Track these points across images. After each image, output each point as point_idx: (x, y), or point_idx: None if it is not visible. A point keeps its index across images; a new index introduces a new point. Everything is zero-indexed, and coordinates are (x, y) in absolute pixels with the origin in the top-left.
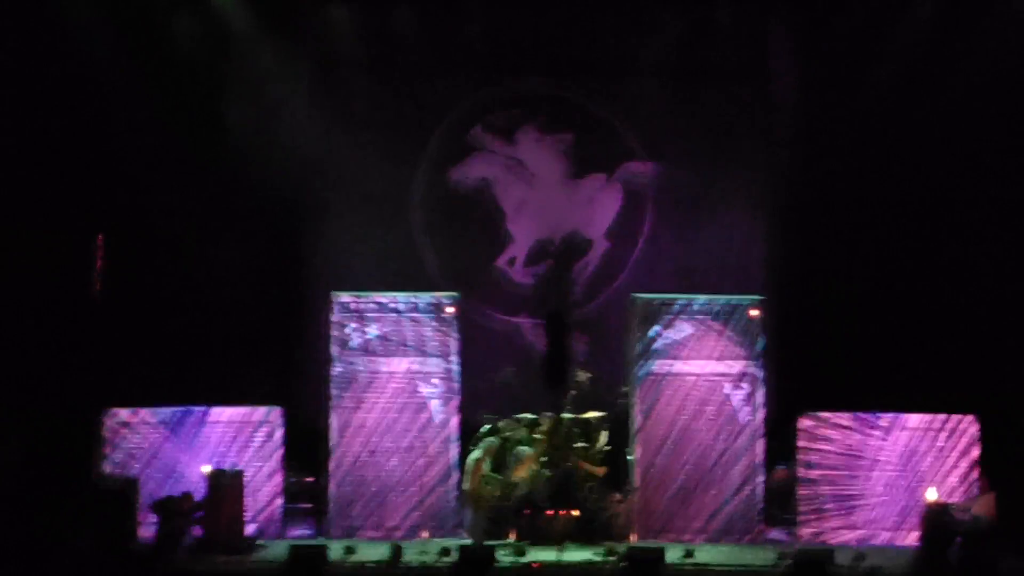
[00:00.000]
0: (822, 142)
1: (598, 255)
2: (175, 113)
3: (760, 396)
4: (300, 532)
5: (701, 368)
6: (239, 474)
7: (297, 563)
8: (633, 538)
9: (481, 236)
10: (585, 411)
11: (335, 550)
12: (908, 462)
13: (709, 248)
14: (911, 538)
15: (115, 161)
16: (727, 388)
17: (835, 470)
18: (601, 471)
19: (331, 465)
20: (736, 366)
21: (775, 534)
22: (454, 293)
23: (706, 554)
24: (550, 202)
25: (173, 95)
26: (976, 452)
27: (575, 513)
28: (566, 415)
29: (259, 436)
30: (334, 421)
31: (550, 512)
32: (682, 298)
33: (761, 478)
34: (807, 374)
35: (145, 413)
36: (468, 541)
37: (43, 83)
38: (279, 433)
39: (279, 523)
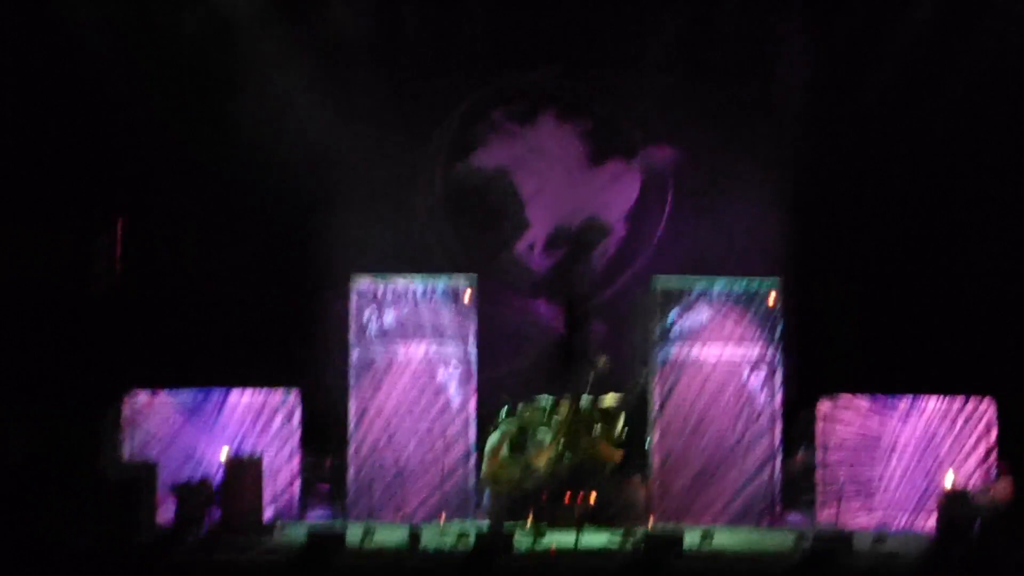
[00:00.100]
0: (840, 126)
1: (616, 240)
2: (188, 101)
3: (778, 380)
4: (318, 515)
5: (719, 352)
6: (256, 458)
7: (315, 547)
8: (651, 522)
9: (499, 222)
10: (603, 395)
11: (353, 533)
12: (926, 446)
13: (728, 232)
14: (929, 522)
15: (133, 148)
16: (745, 372)
17: (853, 454)
18: (618, 455)
19: (350, 449)
20: (755, 350)
21: (793, 518)
22: (472, 277)
23: (724, 538)
24: (568, 188)
25: (184, 85)
26: (994, 436)
27: (593, 497)
28: (584, 399)
29: (278, 419)
30: (352, 405)
31: (568, 496)
32: (701, 282)
33: (779, 462)
34: (826, 357)
35: (164, 396)
36: (486, 525)
37: (56, 73)
38: (297, 416)
39: (297, 506)
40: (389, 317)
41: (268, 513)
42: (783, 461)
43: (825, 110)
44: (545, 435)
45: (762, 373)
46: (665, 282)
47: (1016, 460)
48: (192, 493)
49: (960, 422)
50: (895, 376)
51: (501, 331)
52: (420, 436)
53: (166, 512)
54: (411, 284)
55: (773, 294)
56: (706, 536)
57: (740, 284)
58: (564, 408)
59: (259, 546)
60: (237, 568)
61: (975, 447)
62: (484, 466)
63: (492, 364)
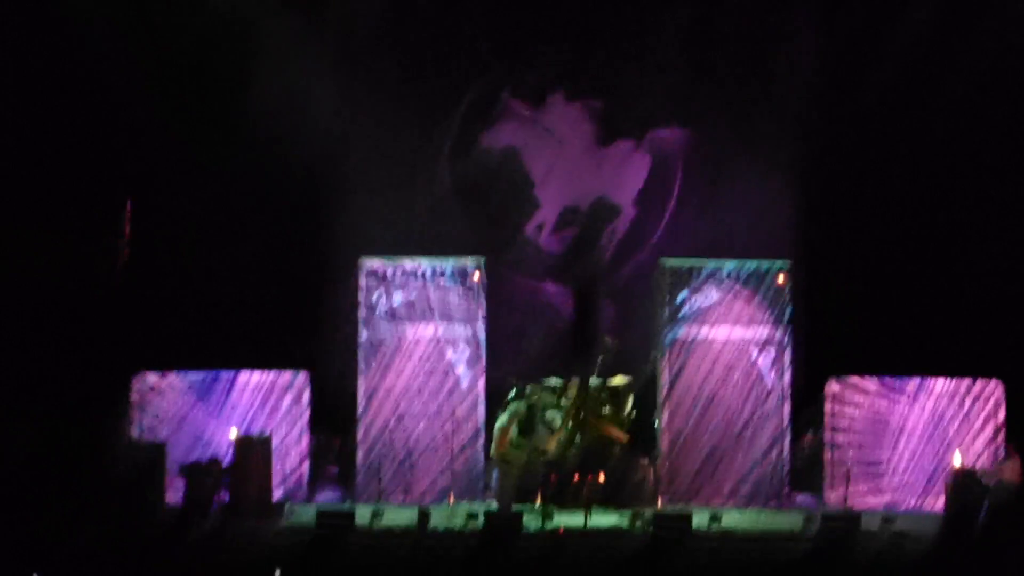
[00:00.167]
0: (850, 109)
1: (626, 221)
2: (198, 87)
3: (787, 361)
4: (328, 496)
5: (729, 333)
6: (267, 439)
7: (324, 529)
8: (659, 503)
9: (509, 203)
10: (612, 376)
11: (362, 515)
12: (934, 427)
13: (738, 213)
14: (938, 503)
15: (143, 132)
16: (754, 353)
17: (861, 435)
18: (624, 436)
19: (359, 430)
20: (764, 331)
21: (802, 499)
22: (479, 258)
23: (732, 519)
24: (578, 169)
25: (194, 71)
26: (1002, 417)
27: (602, 478)
28: (593, 380)
29: (287, 400)
30: (361, 386)
31: (577, 477)
32: (710, 263)
33: (787, 440)
34: (834, 339)
35: (173, 377)
36: (495, 506)
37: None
38: (306, 397)
39: (307, 487)
40: (398, 299)
41: (277, 494)
42: (791, 442)
43: (835, 93)
44: (554, 417)
45: (771, 354)
46: (674, 263)
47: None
48: (201, 474)
49: (968, 403)
50: (904, 358)
51: (510, 312)
52: (429, 417)
53: (175, 494)
54: (420, 266)
55: (782, 275)
56: (714, 517)
57: (749, 265)
58: (573, 390)
59: (268, 527)
60: (246, 549)
61: (983, 428)
62: (493, 447)
63: (501, 345)
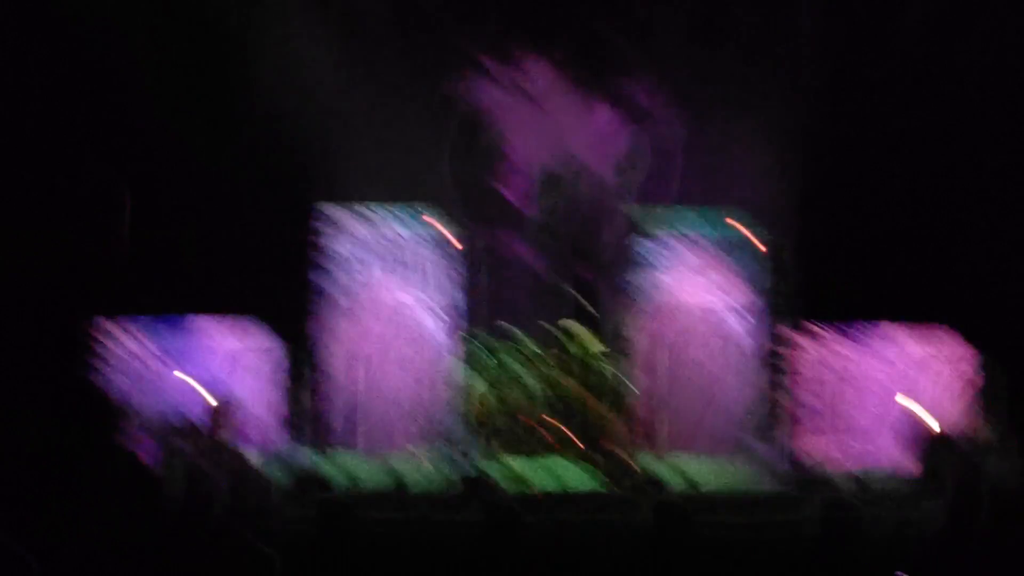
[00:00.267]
0: (824, 67)
1: (599, 175)
2: (153, 23)
3: (757, 315)
4: (297, 455)
5: (700, 291)
6: (236, 396)
7: (296, 485)
8: (631, 458)
9: (480, 152)
10: (581, 330)
11: (331, 471)
12: (901, 380)
13: (713, 167)
14: (905, 457)
15: (90, 63)
16: (725, 309)
17: (828, 387)
18: (595, 395)
19: (327, 385)
20: (735, 288)
21: (769, 453)
22: (451, 210)
23: (701, 473)
24: (549, 123)
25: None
26: (973, 368)
27: (572, 432)
28: (566, 338)
29: (254, 354)
30: (329, 340)
31: (547, 433)
32: (678, 216)
33: (756, 394)
34: (804, 294)
35: (132, 326)
36: (465, 461)
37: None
38: (276, 355)
39: (274, 443)
40: (367, 250)
41: (248, 451)
42: (759, 396)
43: (810, 49)
44: (525, 371)
45: (741, 310)
46: (645, 216)
47: (991, 394)
48: (173, 432)
49: (936, 356)
50: (872, 311)
51: (483, 270)
52: (398, 371)
53: (145, 455)
54: (391, 218)
55: (749, 227)
56: (684, 471)
57: (721, 219)
58: (543, 344)
59: (239, 485)
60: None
61: (953, 381)
62: (464, 403)
63: (473, 302)
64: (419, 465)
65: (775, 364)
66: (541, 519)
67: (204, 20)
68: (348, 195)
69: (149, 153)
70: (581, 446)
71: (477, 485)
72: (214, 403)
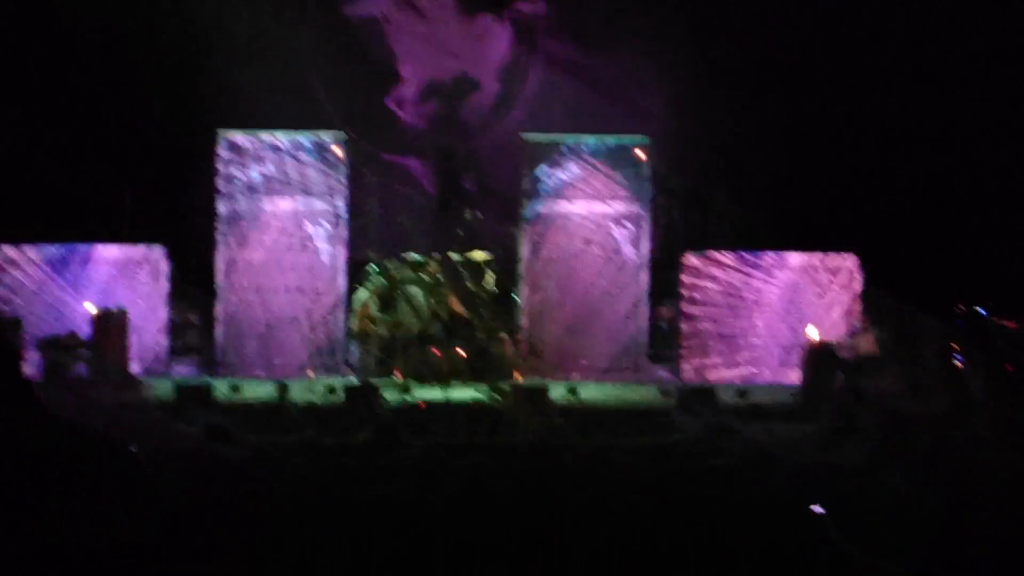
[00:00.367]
0: None
1: (488, 93)
2: None
3: (646, 235)
4: (185, 371)
5: (588, 208)
6: (124, 313)
7: (183, 400)
8: (518, 377)
9: (370, 75)
10: (472, 251)
11: (220, 388)
12: (790, 301)
13: (601, 85)
14: (793, 376)
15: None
16: (613, 227)
17: (718, 308)
18: (463, 310)
19: (217, 305)
20: (623, 206)
21: (659, 372)
22: (340, 132)
23: (589, 392)
24: (440, 41)
25: None
26: (857, 288)
27: (461, 352)
28: (454, 255)
29: (143, 274)
30: (219, 260)
31: (437, 351)
32: (570, 138)
33: (645, 314)
34: (693, 213)
35: (29, 250)
36: (354, 380)
37: None
38: (164, 271)
39: (165, 362)
40: (257, 172)
41: (135, 368)
42: (649, 316)
43: None
44: (415, 292)
45: (629, 229)
46: (534, 138)
47: (877, 312)
48: (59, 348)
49: (823, 276)
50: (761, 233)
51: (371, 187)
52: (289, 292)
53: (30, 368)
54: (279, 139)
55: (642, 151)
56: (572, 390)
57: (609, 141)
58: (434, 264)
59: (126, 400)
60: (103, 422)
61: (838, 301)
62: (353, 322)
63: (362, 220)
64: (308, 383)
65: (666, 285)
66: (426, 437)
67: None
68: (246, 122)
69: (51, 83)
70: (470, 364)
71: (363, 400)
72: (97, 315)
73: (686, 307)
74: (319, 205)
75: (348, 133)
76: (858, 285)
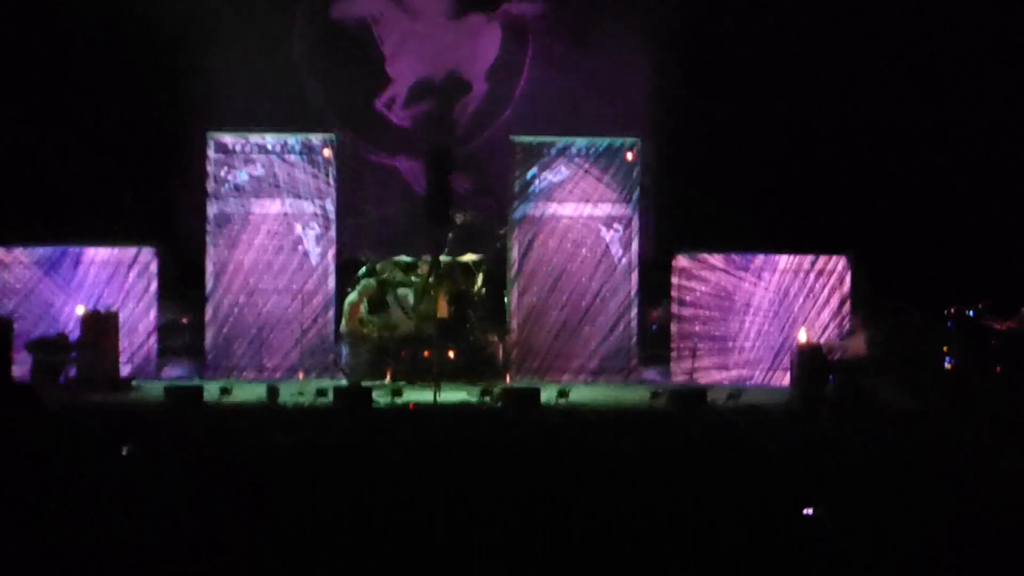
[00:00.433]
0: None
1: (479, 94)
2: None
3: (635, 237)
4: (175, 373)
5: (578, 210)
6: (114, 315)
7: (173, 403)
8: (508, 379)
9: (361, 75)
10: (463, 253)
11: (210, 391)
12: (780, 303)
13: (591, 87)
14: (784, 378)
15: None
16: (603, 230)
17: (708, 310)
18: (447, 312)
19: (208, 306)
20: (613, 208)
21: (649, 374)
22: (330, 134)
23: (580, 394)
24: (431, 41)
25: None
26: (846, 289)
27: (452, 354)
28: (444, 256)
29: (133, 276)
30: (210, 262)
31: (427, 353)
32: (561, 140)
33: (636, 318)
34: (683, 216)
35: (20, 252)
36: (344, 382)
37: None
38: (154, 272)
39: (154, 363)
40: (246, 174)
41: (125, 371)
42: (639, 318)
43: None
44: (405, 293)
45: (619, 231)
46: (525, 140)
47: (868, 314)
48: (48, 348)
49: (813, 279)
50: (750, 235)
51: (361, 188)
52: (279, 293)
53: (21, 368)
54: (269, 141)
55: (631, 153)
56: (563, 392)
57: (599, 142)
58: (424, 266)
59: (117, 402)
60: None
61: (828, 303)
62: (343, 324)
63: (352, 221)
64: (298, 385)
65: (657, 287)
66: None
67: None
68: (235, 123)
69: (41, 86)
70: (461, 366)
71: (353, 402)
72: (87, 316)
73: (676, 309)
74: (309, 206)
75: (337, 134)
76: (848, 287)
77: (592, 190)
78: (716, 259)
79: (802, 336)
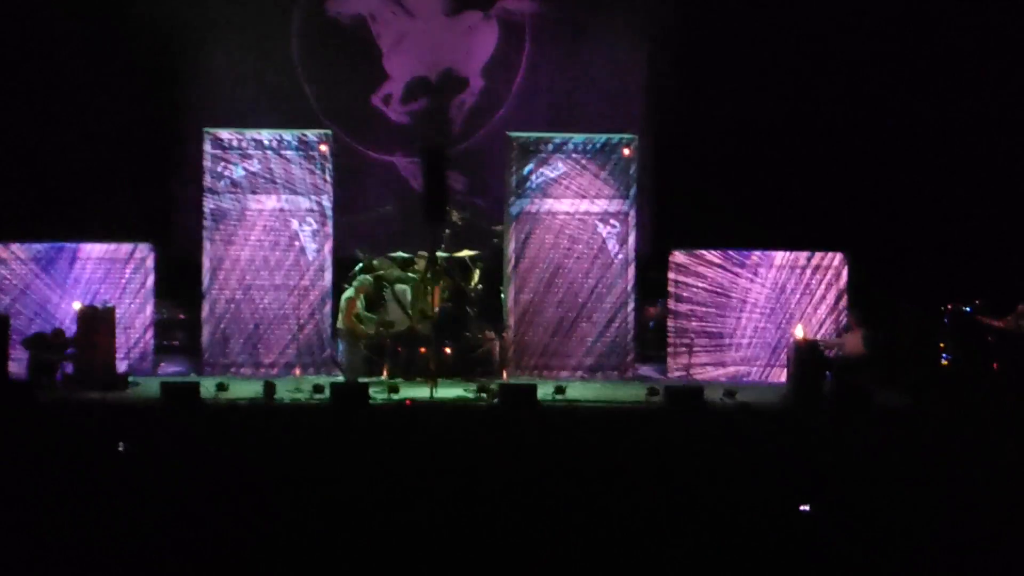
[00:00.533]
0: None
1: (475, 91)
2: None
3: (632, 233)
4: (172, 370)
5: (575, 206)
6: (111, 310)
7: (170, 400)
8: (505, 375)
9: (357, 72)
10: (459, 249)
11: (207, 388)
12: (777, 300)
13: (587, 83)
14: (781, 374)
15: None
16: (600, 226)
17: (705, 307)
18: (431, 310)
19: (204, 302)
20: (609, 204)
21: (646, 371)
22: (326, 131)
23: (577, 391)
24: (427, 39)
25: None
26: (843, 286)
27: (448, 351)
28: (441, 253)
29: (129, 272)
30: (206, 258)
31: (423, 350)
32: (557, 136)
33: (632, 315)
34: (680, 212)
35: (16, 248)
36: (341, 378)
37: None
38: (150, 268)
39: (151, 360)
40: (243, 169)
41: (122, 367)
42: (636, 315)
43: None
44: (402, 289)
45: (616, 227)
46: (521, 136)
47: (865, 312)
48: (45, 345)
49: (809, 275)
50: (747, 231)
51: (358, 184)
52: (275, 289)
53: (17, 365)
54: (265, 136)
55: (628, 149)
56: (559, 389)
57: (596, 139)
58: (420, 262)
59: (114, 398)
60: (90, 419)
61: (825, 300)
62: (340, 320)
63: (348, 217)
64: (295, 382)
65: (654, 283)
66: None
67: None
68: (232, 119)
69: (37, 84)
70: (457, 363)
71: (349, 397)
72: (83, 313)
73: (673, 305)
74: (305, 202)
75: (334, 131)
76: (844, 283)
77: (589, 186)
78: (713, 255)
79: (799, 332)
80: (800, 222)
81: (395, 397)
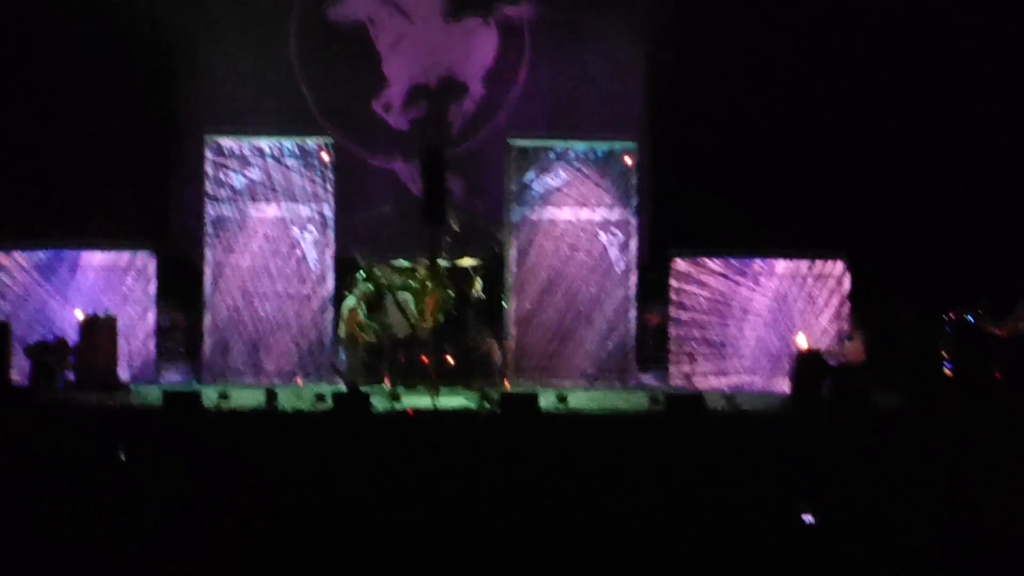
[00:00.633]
0: None
1: (475, 97)
2: None
3: (633, 240)
4: (173, 378)
5: (575, 214)
6: (112, 319)
7: (171, 408)
8: (506, 383)
9: (357, 78)
10: (460, 257)
11: (208, 395)
12: (778, 308)
13: (587, 89)
14: (782, 383)
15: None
16: (601, 233)
17: (707, 315)
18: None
19: (206, 310)
20: (611, 212)
21: (647, 379)
22: (327, 138)
23: (579, 399)
24: (426, 44)
25: None
26: (844, 293)
27: (450, 359)
28: (442, 260)
29: (131, 280)
30: (208, 266)
31: (425, 358)
32: (558, 144)
33: (633, 323)
34: (681, 219)
35: (18, 256)
36: (342, 386)
37: None
38: (152, 276)
39: (152, 368)
40: (244, 177)
41: (123, 375)
42: (637, 322)
43: None
44: (404, 297)
45: (617, 235)
46: (522, 143)
47: (865, 319)
48: (47, 353)
49: (811, 283)
50: (749, 238)
51: (358, 191)
52: (277, 297)
53: (19, 373)
54: (266, 144)
55: (629, 157)
56: (561, 397)
57: (597, 146)
58: (422, 270)
59: (115, 406)
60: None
61: (826, 308)
62: (341, 328)
63: (349, 224)
64: (297, 390)
65: (655, 291)
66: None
67: None
68: (235, 125)
69: (38, 89)
70: (459, 371)
71: (351, 405)
72: (85, 320)
73: (674, 313)
74: (306, 209)
75: (334, 137)
76: (847, 292)
77: (590, 194)
78: (714, 263)
79: (801, 341)
80: (802, 228)
81: (397, 406)
